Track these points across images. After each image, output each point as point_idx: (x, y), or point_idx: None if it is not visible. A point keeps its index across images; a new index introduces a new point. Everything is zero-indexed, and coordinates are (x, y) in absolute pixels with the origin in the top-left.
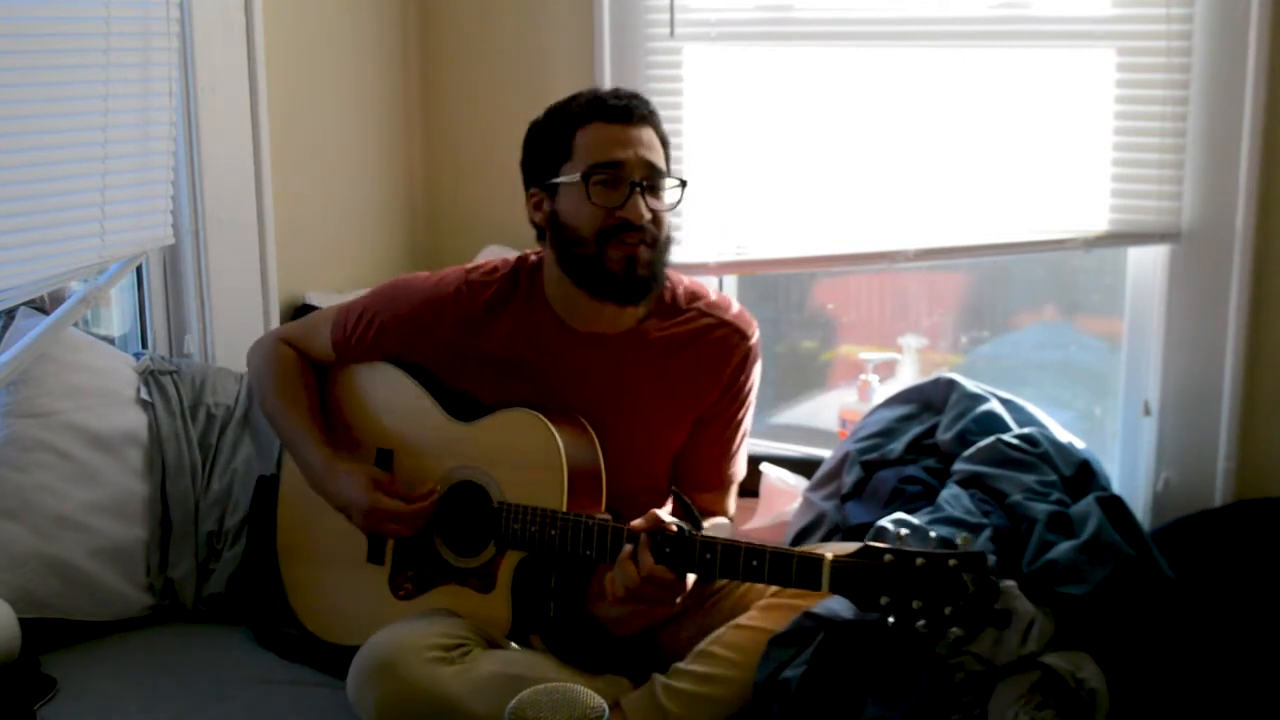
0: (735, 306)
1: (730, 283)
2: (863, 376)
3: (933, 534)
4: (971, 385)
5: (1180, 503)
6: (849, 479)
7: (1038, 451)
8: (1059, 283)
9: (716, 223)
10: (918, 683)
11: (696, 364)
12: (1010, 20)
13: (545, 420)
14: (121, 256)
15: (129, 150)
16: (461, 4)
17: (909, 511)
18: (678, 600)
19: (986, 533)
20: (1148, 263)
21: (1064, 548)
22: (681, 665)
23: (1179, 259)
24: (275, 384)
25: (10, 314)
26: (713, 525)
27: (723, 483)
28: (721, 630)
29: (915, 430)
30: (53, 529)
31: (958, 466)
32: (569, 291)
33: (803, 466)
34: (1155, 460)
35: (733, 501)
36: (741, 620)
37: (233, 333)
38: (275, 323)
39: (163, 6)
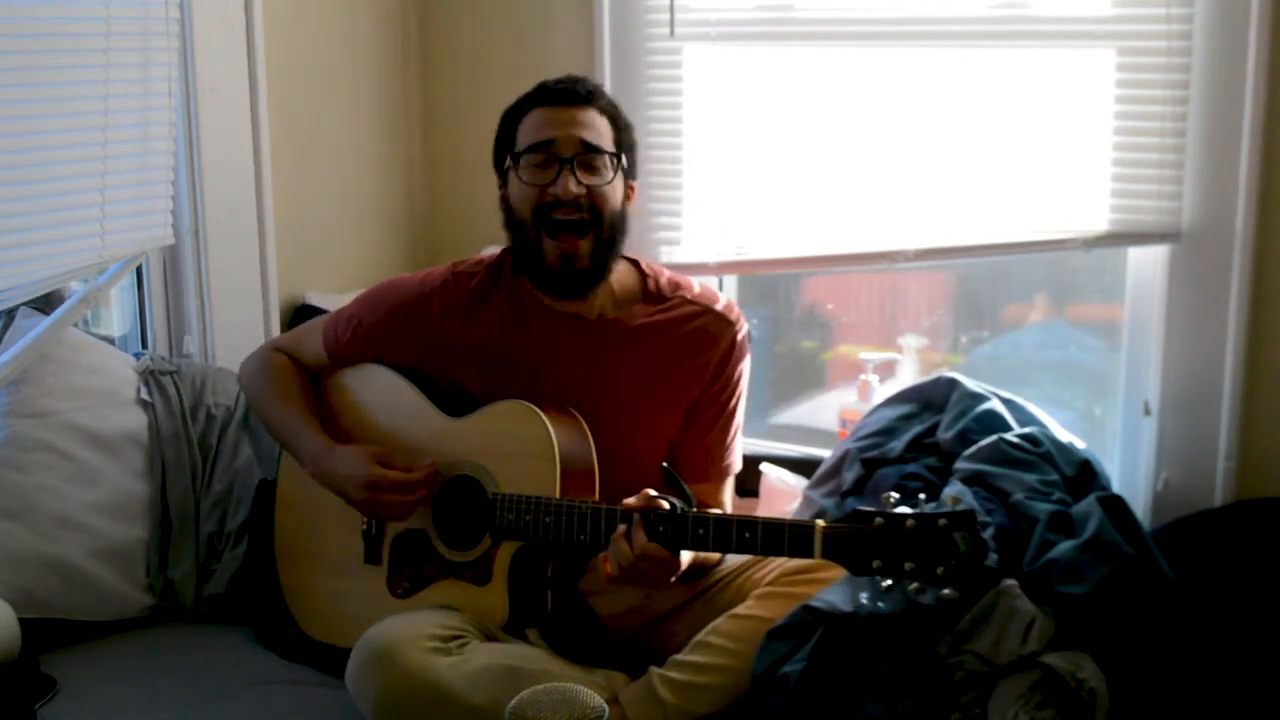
0: (722, 299)
1: (730, 283)
2: (863, 376)
3: (921, 496)
4: (972, 384)
5: (1180, 503)
6: (849, 476)
7: (1039, 451)
8: (1059, 283)
9: (716, 223)
10: (918, 682)
11: (681, 350)
12: (1010, 20)
13: (536, 409)
14: (121, 256)
15: (129, 150)
16: (461, 4)
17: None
18: (672, 579)
19: (989, 531)
20: (1148, 263)
21: (1065, 547)
22: (678, 657)
23: (1179, 259)
24: (268, 385)
25: (10, 314)
26: None
27: (717, 474)
28: (718, 620)
29: (916, 429)
30: (53, 529)
31: (959, 465)
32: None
33: (802, 466)
34: (1155, 460)
35: (729, 496)
36: (738, 610)
37: (233, 333)
38: (275, 323)
39: (163, 6)
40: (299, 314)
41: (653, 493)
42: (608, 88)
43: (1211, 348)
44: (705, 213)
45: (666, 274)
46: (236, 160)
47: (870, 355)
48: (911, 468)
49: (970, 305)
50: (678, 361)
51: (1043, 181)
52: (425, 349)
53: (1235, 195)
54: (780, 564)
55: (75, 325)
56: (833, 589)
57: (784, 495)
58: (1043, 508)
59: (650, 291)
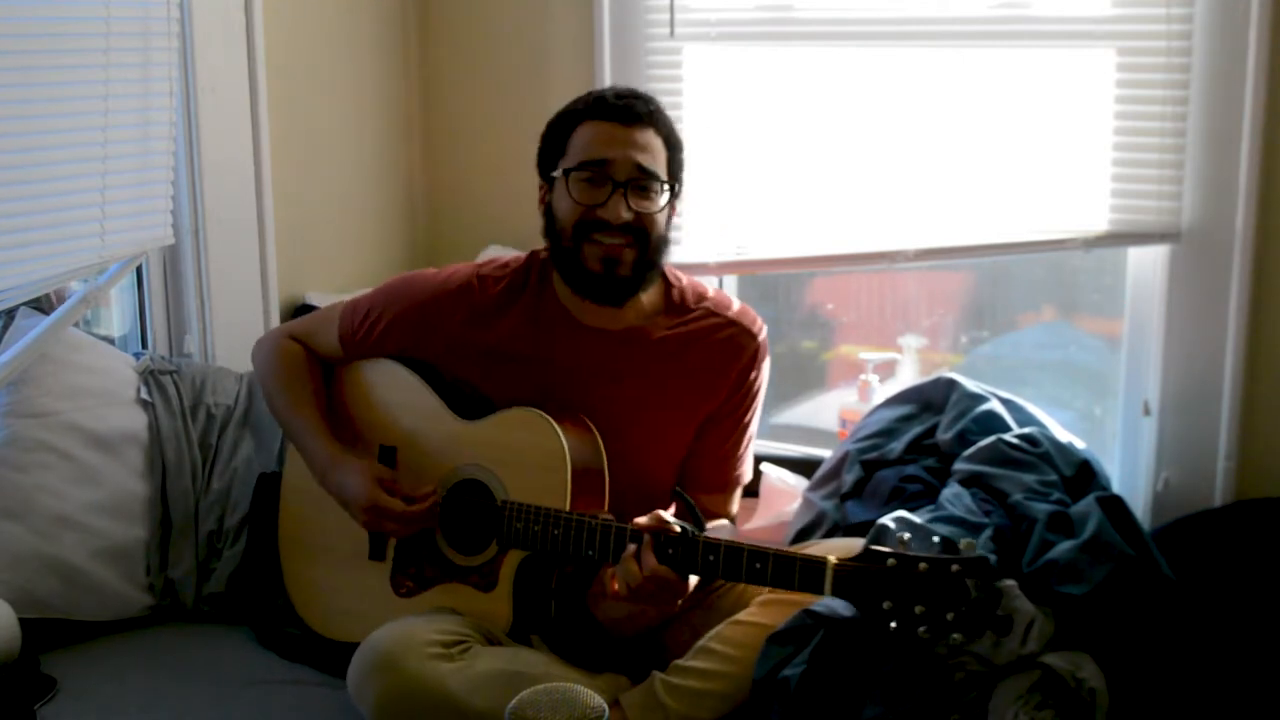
0: (736, 304)
1: (730, 283)
2: (863, 376)
3: (935, 538)
4: (972, 385)
5: (1180, 503)
6: (849, 478)
7: (1038, 451)
8: (1059, 283)
9: (716, 223)
10: (918, 683)
11: (704, 363)
12: (1010, 20)
13: (550, 420)
14: (121, 256)
15: (129, 150)
16: (461, 4)
17: (909, 511)
18: (679, 602)
19: (987, 532)
20: (1148, 263)
21: (1064, 547)
22: (681, 662)
23: (1179, 259)
24: (280, 377)
25: (10, 314)
26: (715, 527)
27: (728, 485)
28: (720, 626)
29: (915, 430)
30: (53, 529)
31: (958, 466)
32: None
33: (803, 466)
34: (1155, 460)
35: (736, 503)
36: (741, 616)
37: (233, 333)
38: (275, 323)
39: (163, 6)
40: (299, 314)
41: (664, 514)
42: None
43: (1211, 348)
44: (705, 213)
45: (689, 282)
46: (236, 160)
47: (870, 355)
48: (911, 469)
49: (970, 305)
50: (699, 375)
51: (1043, 181)
52: (442, 349)
53: (1235, 195)
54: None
55: (75, 325)
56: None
57: (784, 495)
58: (1041, 508)
59: (674, 302)
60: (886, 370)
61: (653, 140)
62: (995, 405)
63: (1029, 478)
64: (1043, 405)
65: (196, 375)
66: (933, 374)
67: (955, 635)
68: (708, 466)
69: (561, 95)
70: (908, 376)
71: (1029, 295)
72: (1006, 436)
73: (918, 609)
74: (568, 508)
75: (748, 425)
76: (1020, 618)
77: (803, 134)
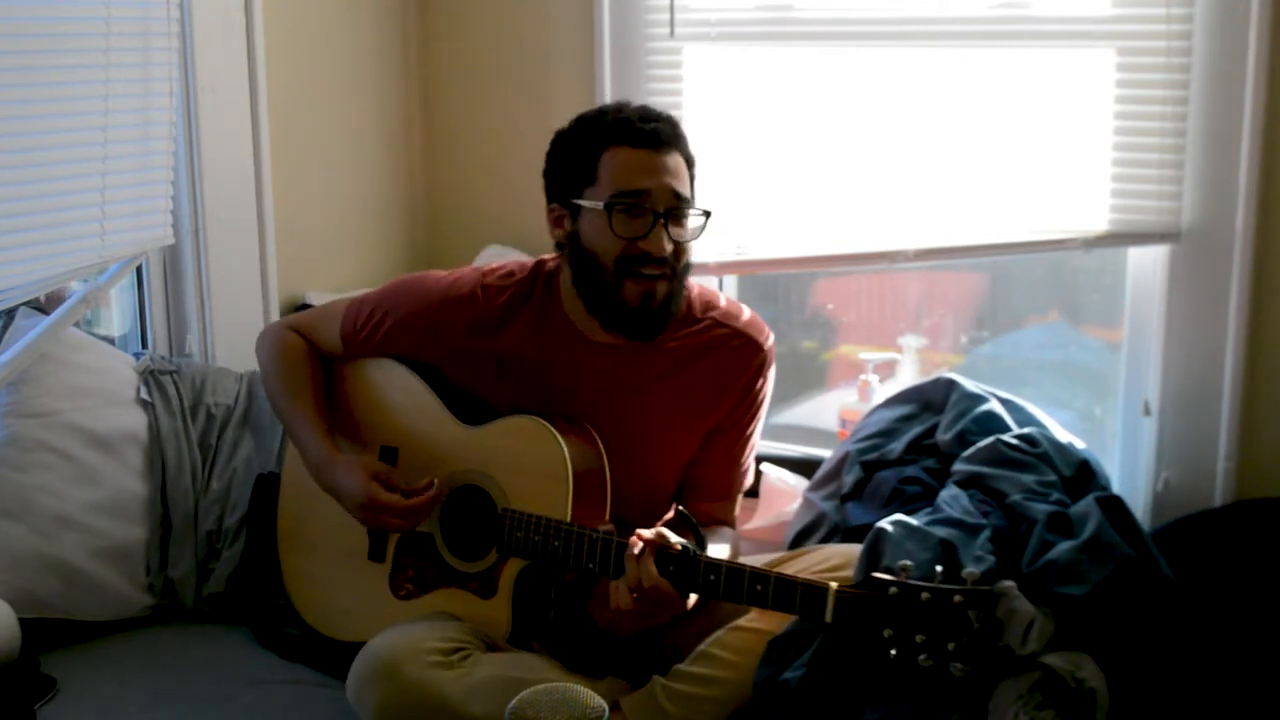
0: (747, 313)
1: (730, 283)
2: (863, 376)
3: (938, 567)
4: (971, 385)
5: (1180, 503)
6: (849, 479)
7: (1037, 451)
8: (1059, 283)
9: (716, 223)
10: (917, 683)
11: (711, 375)
12: (1010, 20)
13: (552, 429)
14: (121, 256)
15: (129, 150)
16: (461, 4)
17: (908, 512)
18: (678, 615)
19: (986, 533)
20: (1148, 263)
21: (1064, 548)
22: (681, 666)
23: (1179, 259)
24: (281, 370)
25: (10, 314)
26: (717, 534)
27: (730, 493)
28: (721, 631)
29: (915, 430)
30: (53, 529)
31: (957, 467)
32: (588, 312)
33: (803, 466)
34: (1155, 460)
35: (737, 508)
36: (741, 622)
37: (233, 333)
38: None
39: (163, 6)
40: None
41: (666, 531)
42: (607, 88)
43: (1211, 348)
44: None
45: (697, 290)
46: (236, 160)
47: (870, 355)
48: (910, 470)
49: (970, 305)
50: (706, 385)
51: (1043, 181)
52: (444, 356)
53: (1235, 195)
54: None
55: (75, 325)
56: None
57: (784, 496)
58: (1041, 508)
59: (682, 313)
60: (886, 370)
61: (680, 164)
62: (995, 405)
63: (1028, 478)
64: (1043, 405)
65: (196, 375)
66: (933, 374)
67: (956, 665)
68: (711, 474)
69: (561, 96)
70: (908, 376)
71: (1029, 295)
72: (1006, 437)
73: (919, 638)
74: (569, 517)
75: (752, 435)
76: (1020, 618)
77: (803, 134)
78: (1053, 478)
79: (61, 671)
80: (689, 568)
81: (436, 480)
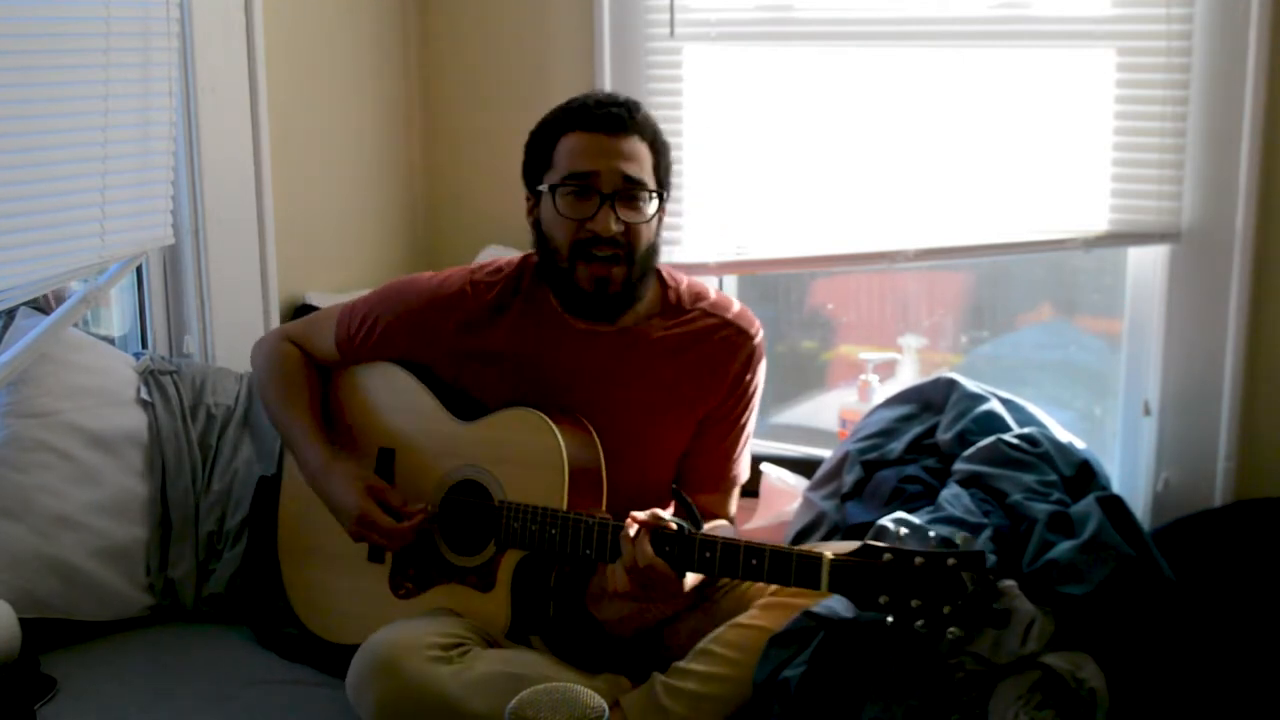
0: (736, 305)
1: (730, 283)
2: (863, 376)
3: (932, 533)
4: (972, 385)
5: (1180, 503)
6: (849, 479)
7: (1038, 451)
8: (1059, 283)
9: (716, 223)
10: (917, 683)
11: (700, 364)
12: (1010, 20)
13: (547, 419)
14: (121, 256)
15: (129, 150)
16: (461, 4)
17: (909, 511)
18: (675, 598)
19: (987, 532)
20: (1148, 263)
21: (1064, 547)
22: (681, 664)
23: (1179, 259)
24: (277, 381)
25: (10, 314)
26: (714, 528)
27: (726, 485)
28: (721, 629)
29: (915, 430)
30: (53, 529)
31: (958, 466)
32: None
33: (803, 466)
34: (1155, 460)
35: (734, 503)
36: (741, 619)
37: (233, 333)
38: (275, 323)
39: (163, 6)
40: (298, 314)
41: (661, 512)
42: (607, 87)
43: (1211, 348)
44: (705, 213)
45: (686, 282)
46: (236, 160)
47: (870, 355)
48: (911, 470)
49: (970, 305)
50: (696, 375)
51: (1043, 181)
52: (437, 353)
53: (1235, 195)
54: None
55: (75, 325)
56: (834, 596)
57: (784, 495)
58: (1041, 508)
59: (670, 303)
60: (886, 370)
61: (638, 147)
62: (995, 405)
63: (1029, 478)
64: (1043, 405)
65: (196, 375)
66: (933, 374)
67: (953, 629)
68: (704, 466)
69: (561, 96)
70: (908, 376)
71: (1029, 295)
72: (1006, 436)
73: (914, 603)
74: (565, 507)
75: (744, 426)
76: (1020, 618)
77: (803, 134)
78: (1053, 477)
79: (61, 671)
80: (685, 547)
81: (429, 507)
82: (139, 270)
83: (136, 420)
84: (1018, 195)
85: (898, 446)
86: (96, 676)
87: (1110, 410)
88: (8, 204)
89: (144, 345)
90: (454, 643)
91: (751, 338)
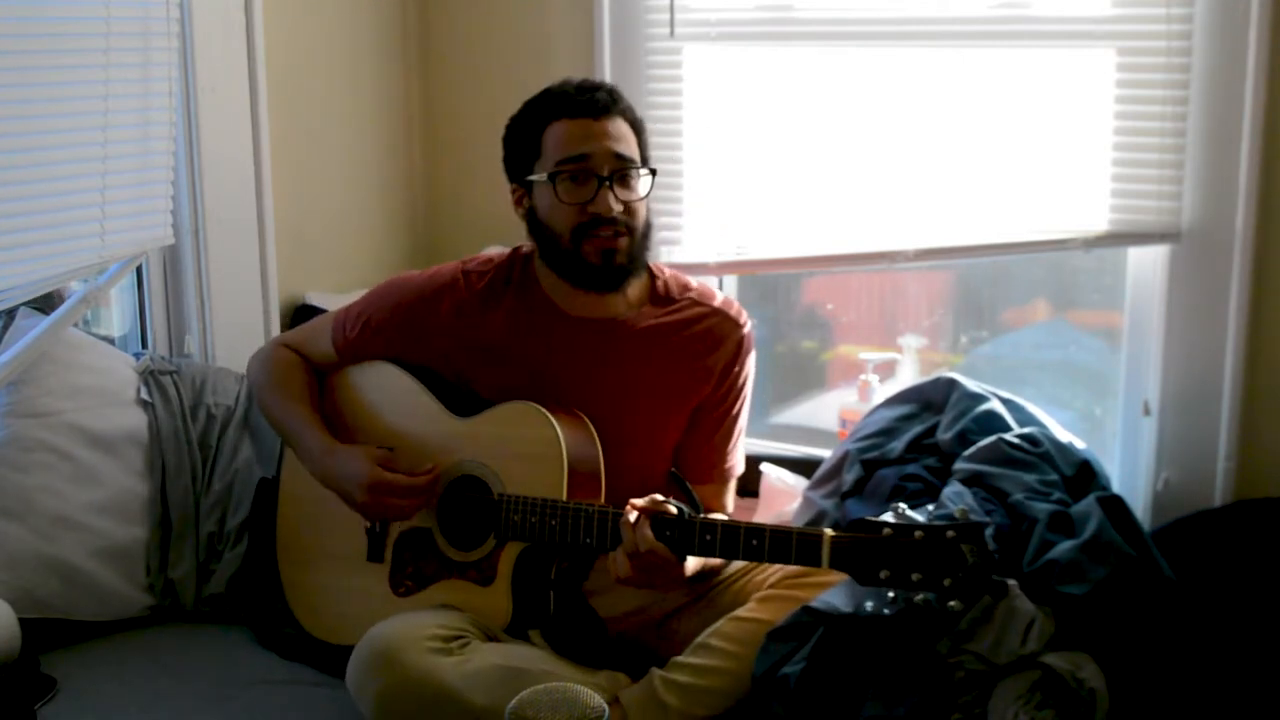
0: (721, 296)
1: (730, 283)
2: (863, 376)
3: (931, 507)
4: (972, 385)
5: (1180, 503)
6: (849, 477)
7: (1039, 451)
8: (1059, 283)
9: (716, 223)
10: (917, 682)
11: (689, 352)
12: (1010, 20)
13: (545, 411)
14: (121, 256)
15: (129, 150)
16: (461, 4)
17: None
18: (676, 582)
19: (988, 531)
20: (1148, 263)
21: (1064, 547)
22: (680, 659)
23: (1179, 259)
24: (272, 381)
25: (10, 314)
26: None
27: (721, 476)
28: (720, 623)
29: (915, 430)
30: (53, 529)
31: (959, 465)
32: (559, 280)
33: (803, 466)
34: (1155, 460)
35: (731, 499)
36: (740, 612)
37: (233, 333)
38: (275, 323)
39: (163, 6)
40: (299, 314)
41: (660, 498)
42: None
43: (1211, 348)
44: (705, 213)
45: (670, 273)
46: (236, 160)
47: (870, 355)
48: (911, 468)
49: (970, 305)
50: (686, 363)
51: (1043, 181)
52: (433, 347)
53: (1235, 195)
54: (782, 567)
55: (75, 325)
56: (833, 591)
57: (784, 495)
58: (1042, 508)
59: (659, 293)
60: (886, 370)
61: (622, 127)
62: (995, 405)
63: (1029, 477)
64: (1043, 405)
65: (196, 375)
66: (933, 374)
67: (953, 602)
68: (698, 458)
69: None
70: (908, 376)
71: (1029, 295)
72: (1007, 436)
73: (914, 576)
74: (564, 496)
75: (736, 417)
76: (1020, 618)
77: (802, 134)
78: (1054, 477)
79: (61, 671)
80: (685, 530)
81: (437, 465)
82: (139, 270)
83: (136, 420)
84: (1018, 195)
85: (898, 446)
86: (96, 676)
87: (1110, 410)
88: (8, 204)
89: (144, 345)
90: (454, 635)
91: (740, 326)
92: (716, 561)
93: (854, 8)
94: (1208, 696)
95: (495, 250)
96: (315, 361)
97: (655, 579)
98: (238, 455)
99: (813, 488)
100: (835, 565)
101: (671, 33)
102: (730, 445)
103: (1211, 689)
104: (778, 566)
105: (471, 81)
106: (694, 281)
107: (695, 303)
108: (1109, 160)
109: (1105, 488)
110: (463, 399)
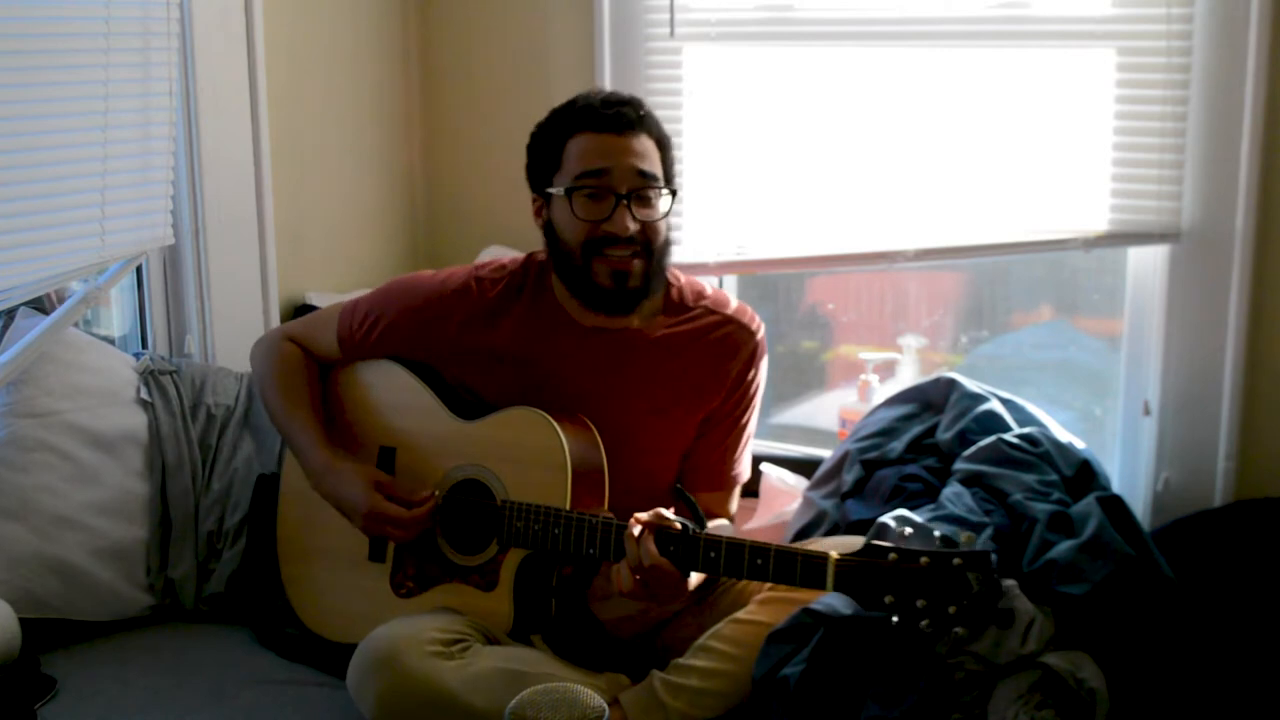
0: (735, 302)
1: (730, 283)
2: (863, 376)
3: (936, 532)
4: (972, 385)
5: (1180, 503)
6: (849, 477)
7: (1038, 451)
8: (1059, 283)
9: (716, 223)
10: (917, 683)
11: (703, 362)
12: (1010, 20)
13: (550, 419)
14: (121, 256)
15: (129, 150)
16: (461, 4)
17: (910, 510)
18: (679, 596)
19: (988, 532)
20: (1148, 263)
21: (1064, 547)
22: (680, 661)
23: (1179, 259)
24: (278, 380)
25: (10, 314)
26: (715, 526)
27: (727, 484)
28: (720, 625)
29: (915, 430)
30: (53, 529)
31: (959, 466)
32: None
33: (803, 466)
34: (1155, 460)
35: (734, 502)
36: (740, 615)
37: (233, 333)
38: (275, 323)
39: (163, 7)
40: (299, 314)
41: (665, 511)
42: (607, 87)
43: (1211, 348)
44: (705, 213)
45: (685, 280)
46: (236, 160)
47: (870, 355)
48: (911, 469)
49: (970, 305)
50: (698, 373)
51: (1043, 181)
52: (440, 351)
53: (1235, 195)
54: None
55: (75, 325)
56: (834, 593)
57: (784, 495)
58: (1042, 508)
59: (673, 301)
60: (886, 370)
61: (647, 144)
62: (995, 405)
63: (1029, 477)
64: (1043, 405)
65: (196, 375)
66: (933, 374)
67: (958, 629)
68: (706, 465)
69: (562, 96)
70: (908, 376)
71: (1029, 295)
72: (1007, 436)
73: (920, 603)
74: (568, 507)
75: (746, 424)
76: (1020, 617)
77: (803, 134)
78: (1054, 477)
79: (61, 671)
80: (689, 546)
81: (437, 491)
82: (139, 270)
83: (136, 420)
84: (1017, 195)
85: (898, 446)
86: (96, 676)
87: (1110, 410)
88: (8, 204)
89: (144, 345)
90: (455, 638)
91: (753, 334)
92: None
93: (854, 8)
94: (1208, 696)
95: (496, 250)
96: (319, 355)
97: (658, 593)
98: (237, 454)
99: (813, 488)
100: (839, 588)
101: (671, 33)
102: (738, 453)
103: (1211, 689)
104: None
105: (471, 82)
106: (709, 288)
107: (709, 311)
108: (1109, 160)
109: (1105, 488)
110: (466, 401)
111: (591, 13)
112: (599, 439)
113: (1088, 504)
